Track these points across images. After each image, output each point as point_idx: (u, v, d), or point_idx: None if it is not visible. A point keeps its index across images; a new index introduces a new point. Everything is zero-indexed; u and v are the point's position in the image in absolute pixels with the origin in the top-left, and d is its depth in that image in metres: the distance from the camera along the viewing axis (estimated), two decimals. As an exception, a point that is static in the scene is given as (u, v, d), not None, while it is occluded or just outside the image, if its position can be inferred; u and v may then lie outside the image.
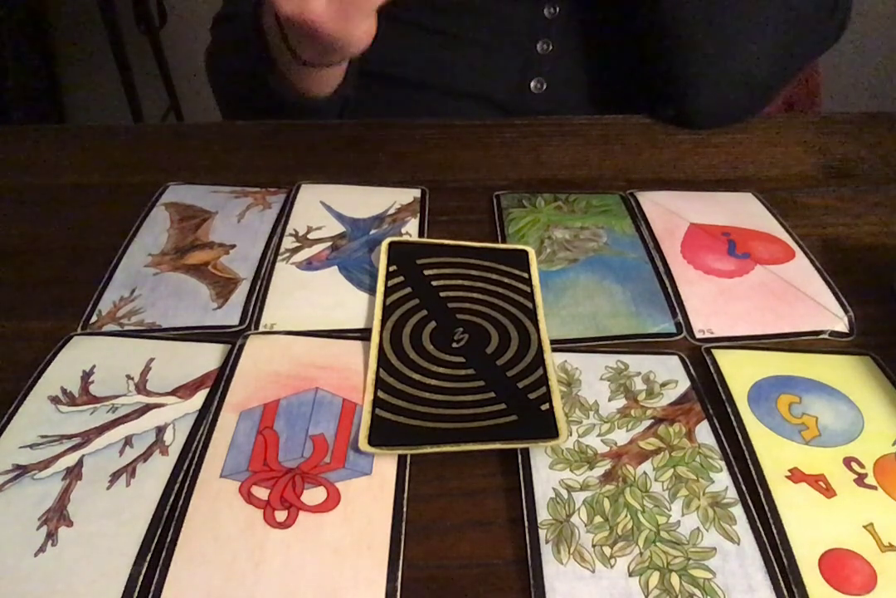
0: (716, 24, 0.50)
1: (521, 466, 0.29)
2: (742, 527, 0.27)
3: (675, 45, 0.51)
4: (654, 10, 0.51)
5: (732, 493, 0.28)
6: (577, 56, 0.58)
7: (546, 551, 0.26)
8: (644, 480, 0.28)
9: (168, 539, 0.26)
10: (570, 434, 0.30)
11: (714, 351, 0.35)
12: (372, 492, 0.28)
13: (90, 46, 1.60)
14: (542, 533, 0.26)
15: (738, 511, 0.27)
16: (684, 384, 0.33)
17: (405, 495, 0.28)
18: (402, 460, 0.29)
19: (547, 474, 0.29)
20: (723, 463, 0.29)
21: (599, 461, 0.29)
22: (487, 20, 0.41)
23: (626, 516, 0.27)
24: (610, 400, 0.32)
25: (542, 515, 0.27)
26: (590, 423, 0.31)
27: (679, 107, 0.55)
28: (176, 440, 0.30)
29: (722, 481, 0.28)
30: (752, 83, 0.53)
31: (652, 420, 0.31)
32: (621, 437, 0.30)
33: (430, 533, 0.27)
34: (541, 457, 0.29)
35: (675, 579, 0.25)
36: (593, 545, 0.26)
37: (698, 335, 0.36)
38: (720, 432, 0.31)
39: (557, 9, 0.56)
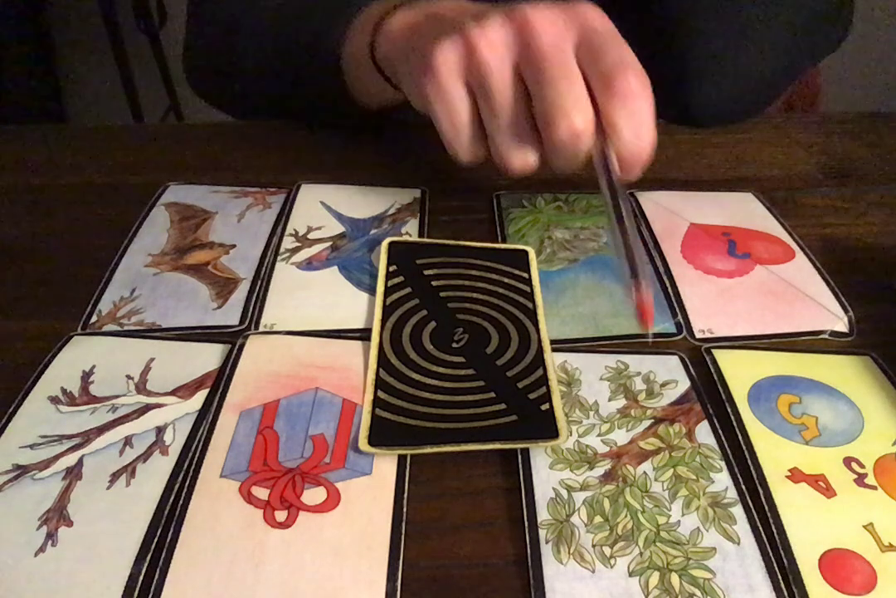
0: (725, 18, 0.50)
1: (521, 466, 0.29)
2: (742, 527, 0.27)
3: (683, 39, 0.51)
4: (663, 4, 0.51)
5: (732, 493, 0.28)
6: None
7: (546, 551, 0.26)
8: (644, 480, 0.28)
9: (168, 539, 0.26)
10: (570, 434, 0.30)
11: (714, 351, 0.35)
12: (372, 492, 0.28)
13: (90, 46, 1.60)
14: (542, 533, 0.26)
15: (738, 511, 0.27)
16: (684, 384, 0.33)
17: (405, 495, 0.28)
18: (402, 460, 0.29)
19: (547, 475, 0.29)
20: (723, 463, 0.29)
21: (599, 461, 0.29)
22: None
23: (626, 516, 0.27)
24: (610, 400, 0.32)
25: (542, 515, 0.27)
26: (590, 423, 0.31)
27: (684, 104, 0.55)
28: (176, 440, 0.30)
29: (722, 481, 0.28)
30: (759, 80, 0.53)
31: (652, 420, 0.31)
32: (621, 437, 0.30)
33: (430, 533, 0.27)
34: (541, 457, 0.29)
35: (675, 579, 0.25)
36: (593, 545, 0.26)
37: (698, 335, 0.36)
38: (720, 432, 0.31)
39: None
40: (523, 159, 0.37)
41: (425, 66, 0.35)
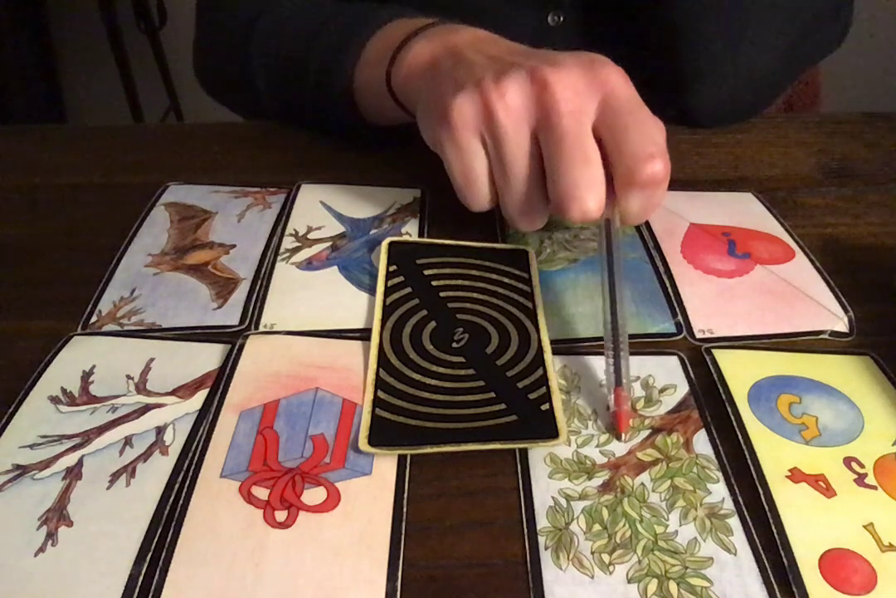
0: (724, 20, 0.50)
1: (520, 475, 0.29)
2: (739, 538, 0.27)
3: (682, 40, 0.51)
4: (663, 5, 0.51)
5: (729, 504, 0.28)
6: None
7: (545, 556, 0.26)
8: (642, 490, 0.28)
9: (168, 539, 0.26)
10: (569, 436, 0.30)
11: (714, 351, 0.35)
12: (372, 492, 0.28)
13: (90, 46, 1.60)
14: (541, 540, 0.26)
15: (734, 522, 0.27)
16: (683, 389, 0.33)
17: (405, 495, 0.28)
18: (402, 460, 0.29)
19: (546, 484, 0.29)
20: (720, 474, 0.29)
21: (598, 472, 0.29)
22: (491, 26, 0.41)
23: (624, 525, 0.27)
24: (608, 409, 0.32)
25: (542, 522, 0.27)
26: (588, 433, 0.31)
27: (682, 104, 0.55)
28: (176, 440, 0.30)
29: (719, 492, 0.28)
30: (758, 81, 0.53)
31: (650, 430, 0.31)
32: (619, 448, 0.30)
33: (430, 533, 0.27)
34: (540, 466, 0.29)
35: (672, 586, 0.25)
36: (592, 552, 0.26)
37: (698, 335, 0.36)
38: (717, 441, 0.30)
39: (562, 17, 0.56)
40: (531, 223, 0.38)
41: (442, 118, 0.35)
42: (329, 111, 0.49)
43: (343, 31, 0.46)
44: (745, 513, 0.28)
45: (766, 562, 0.26)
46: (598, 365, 0.34)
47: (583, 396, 0.32)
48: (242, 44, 0.53)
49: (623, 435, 0.30)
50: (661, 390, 0.33)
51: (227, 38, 0.55)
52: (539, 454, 0.30)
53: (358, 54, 0.45)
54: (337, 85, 0.46)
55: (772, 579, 0.25)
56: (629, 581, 0.25)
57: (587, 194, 0.33)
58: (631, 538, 0.27)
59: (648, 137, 0.34)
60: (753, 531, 0.27)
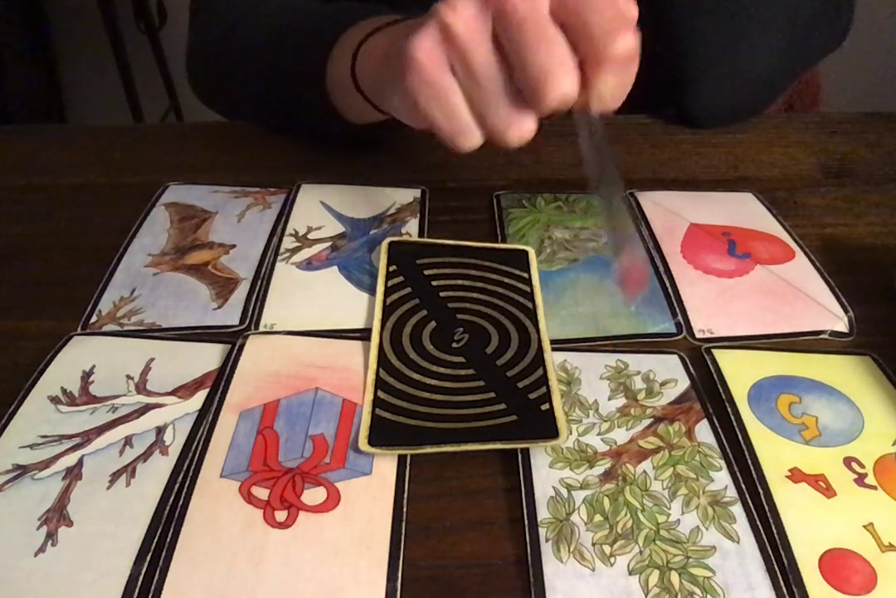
0: (723, 20, 0.50)
1: (521, 465, 0.29)
2: (741, 526, 0.27)
3: (681, 40, 0.51)
4: (661, 5, 0.51)
5: (732, 492, 0.28)
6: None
7: (546, 549, 0.26)
8: (644, 479, 0.28)
9: (168, 539, 0.26)
10: (570, 434, 0.30)
11: (714, 351, 0.35)
12: (372, 492, 0.28)
13: (90, 46, 1.60)
14: (541, 532, 0.26)
15: (737, 510, 0.27)
16: (684, 383, 0.33)
17: (405, 495, 0.28)
18: (402, 460, 0.29)
19: (547, 473, 0.29)
20: (722, 462, 0.29)
21: (599, 460, 0.29)
22: None
23: (625, 514, 0.27)
24: (610, 399, 0.32)
25: (542, 513, 0.27)
26: (589, 422, 0.31)
27: (681, 105, 0.55)
28: (176, 440, 0.30)
29: (721, 479, 0.28)
30: (757, 81, 0.53)
31: (651, 419, 0.31)
32: (621, 436, 0.30)
33: (430, 533, 0.27)
34: (541, 456, 0.29)
35: (674, 577, 0.25)
36: (593, 544, 0.26)
37: (698, 335, 0.36)
38: (720, 430, 0.31)
39: None
40: (519, 131, 0.34)
41: (406, 64, 0.33)
42: (309, 113, 0.48)
43: (314, 31, 0.46)
44: (749, 500, 0.28)
45: (769, 550, 0.26)
46: (599, 360, 0.34)
47: (584, 386, 0.33)
48: (225, 49, 0.53)
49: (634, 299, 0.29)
50: (663, 384, 0.33)
51: (213, 43, 0.55)
52: None
53: (327, 53, 0.44)
54: (309, 84, 0.45)
55: (775, 567, 0.25)
56: (630, 573, 0.25)
57: (561, 76, 0.31)
58: (632, 527, 0.27)
59: (612, 10, 0.31)
60: (756, 518, 0.27)
